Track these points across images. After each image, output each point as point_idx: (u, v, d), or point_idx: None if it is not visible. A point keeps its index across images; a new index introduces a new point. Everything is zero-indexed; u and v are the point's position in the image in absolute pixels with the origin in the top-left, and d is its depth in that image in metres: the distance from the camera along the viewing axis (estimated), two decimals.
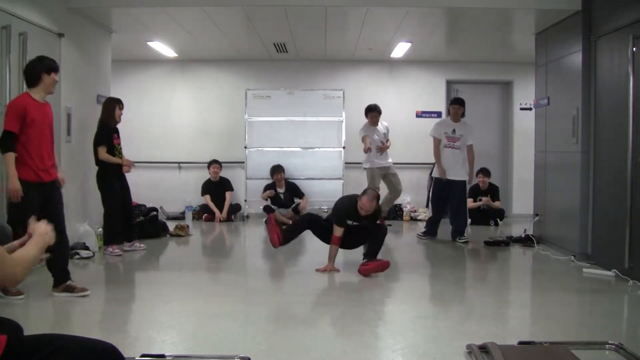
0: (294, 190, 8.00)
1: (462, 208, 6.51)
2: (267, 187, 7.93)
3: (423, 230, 6.70)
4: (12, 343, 1.57)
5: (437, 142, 6.45)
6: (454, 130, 6.39)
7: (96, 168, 5.47)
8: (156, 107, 8.73)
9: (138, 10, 5.82)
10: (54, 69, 3.87)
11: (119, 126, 5.61)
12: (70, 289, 3.90)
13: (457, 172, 6.36)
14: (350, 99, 8.26)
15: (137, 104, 8.02)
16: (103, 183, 5.45)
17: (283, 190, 7.95)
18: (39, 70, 3.81)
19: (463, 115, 6.54)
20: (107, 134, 5.43)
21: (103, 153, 5.37)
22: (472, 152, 6.46)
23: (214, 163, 8.25)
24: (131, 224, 5.81)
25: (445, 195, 6.42)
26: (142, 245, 5.80)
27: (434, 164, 8.74)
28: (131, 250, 5.67)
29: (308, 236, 5.09)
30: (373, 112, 6.85)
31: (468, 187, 6.77)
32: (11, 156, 3.72)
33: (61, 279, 3.94)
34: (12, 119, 3.70)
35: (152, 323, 3.43)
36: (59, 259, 3.89)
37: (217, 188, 8.17)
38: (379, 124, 6.91)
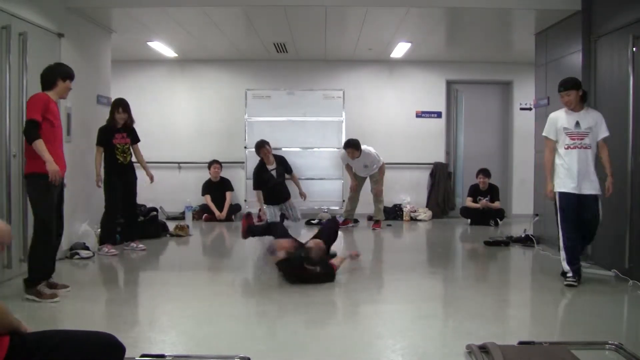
0: (284, 164, 7.56)
1: (591, 236, 4.57)
2: (257, 173, 7.29)
3: (569, 275, 4.35)
4: (14, 342, 1.60)
5: (551, 146, 4.50)
6: (577, 123, 4.38)
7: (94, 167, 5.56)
8: (156, 107, 8.73)
9: (138, 10, 5.83)
10: (70, 77, 4.02)
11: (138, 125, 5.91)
12: (39, 294, 3.76)
13: (590, 182, 4.37)
14: (350, 99, 8.28)
15: (137, 104, 7.90)
16: (105, 180, 5.57)
17: (274, 167, 7.41)
18: (56, 75, 3.96)
19: (585, 99, 4.49)
20: (103, 135, 5.59)
21: (96, 155, 5.56)
22: (606, 148, 4.42)
23: (214, 163, 8.26)
24: (130, 224, 5.82)
25: (576, 216, 4.40)
26: (141, 245, 5.80)
27: (434, 164, 8.84)
28: (129, 249, 5.68)
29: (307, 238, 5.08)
30: (348, 148, 7.18)
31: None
32: (41, 142, 3.71)
33: (34, 282, 3.81)
34: (37, 109, 3.74)
35: (152, 323, 3.44)
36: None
37: (217, 188, 8.18)
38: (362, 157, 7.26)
